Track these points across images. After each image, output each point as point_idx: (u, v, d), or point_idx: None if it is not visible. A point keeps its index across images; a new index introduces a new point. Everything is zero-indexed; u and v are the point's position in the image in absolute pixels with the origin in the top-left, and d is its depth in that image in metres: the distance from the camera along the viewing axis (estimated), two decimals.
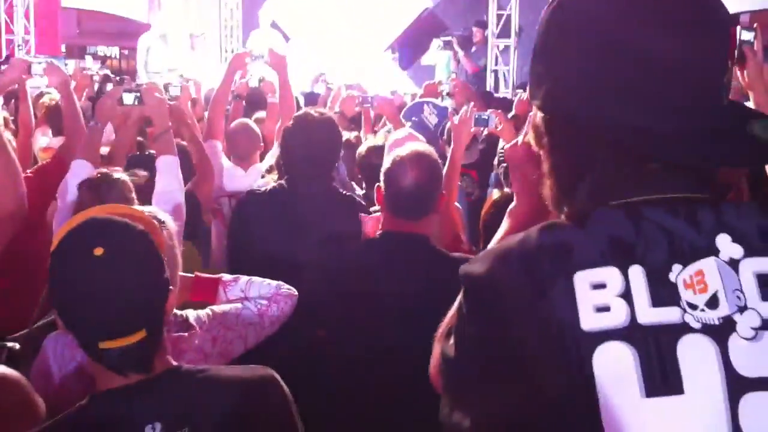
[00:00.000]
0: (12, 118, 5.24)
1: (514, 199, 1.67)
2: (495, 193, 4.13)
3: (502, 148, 5.00)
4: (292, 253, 2.74)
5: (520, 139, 1.64)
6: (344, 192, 3.42)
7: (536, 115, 1.09)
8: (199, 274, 2.38)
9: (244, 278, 2.38)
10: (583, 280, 0.93)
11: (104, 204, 2.62)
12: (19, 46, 11.85)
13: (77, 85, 6.27)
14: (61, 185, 3.03)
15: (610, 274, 0.93)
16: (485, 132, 4.44)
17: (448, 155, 3.74)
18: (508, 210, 1.70)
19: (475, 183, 5.41)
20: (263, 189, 3.32)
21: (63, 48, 16.41)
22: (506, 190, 3.71)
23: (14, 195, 2.93)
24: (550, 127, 1.06)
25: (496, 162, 4.57)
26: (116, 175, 2.77)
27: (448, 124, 4.65)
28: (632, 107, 0.97)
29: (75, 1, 16.29)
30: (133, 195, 2.78)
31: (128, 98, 3.10)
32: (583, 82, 0.99)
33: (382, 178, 2.67)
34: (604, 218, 0.98)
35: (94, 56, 18.76)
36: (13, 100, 5.74)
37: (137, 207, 2.02)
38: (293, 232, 2.96)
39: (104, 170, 2.83)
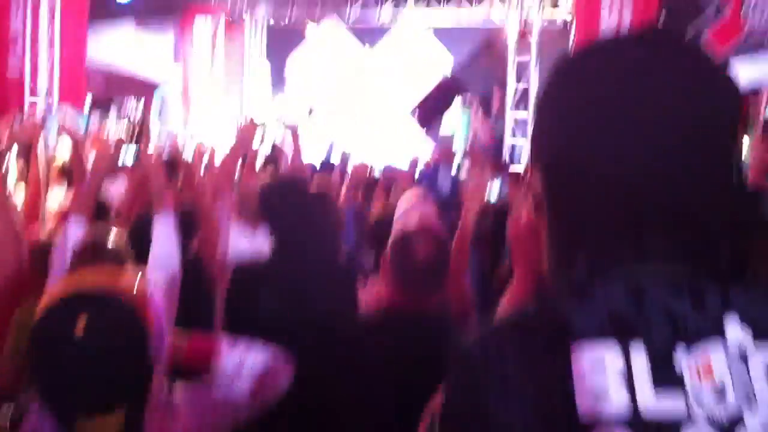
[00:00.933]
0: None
1: (514, 272, 1.61)
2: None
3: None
4: (287, 332, 2.66)
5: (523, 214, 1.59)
6: (341, 262, 3.35)
7: (535, 181, 1.04)
8: (195, 338, 2.30)
9: (242, 346, 2.29)
10: (580, 357, 0.87)
11: (100, 264, 2.57)
12: (42, 97, 12.02)
13: (93, 140, 6.31)
14: (55, 249, 2.97)
15: (609, 352, 0.86)
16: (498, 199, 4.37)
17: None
18: (508, 286, 1.65)
19: (486, 255, 5.33)
20: (256, 260, 3.26)
21: (89, 99, 16.76)
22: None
23: (13, 257, 2.89)
24: (548, 192, 1.01)
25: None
26: (112, 236, 2.71)
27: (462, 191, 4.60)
28: (638, 168, 0.93)
29: (102, 57, 16.65)
30: (128, 257, 2.72)
31: (126, 155, 3.06)
32: (585, 141, 0.96)
33: (388, 253, 2.61)
34: (604, 292, 0.91)
35: (119, 109, 19.01)
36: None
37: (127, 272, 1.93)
38: (287, 310, 2.88)
39: (100, 229, 2.76)
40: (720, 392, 0.85)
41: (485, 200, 3.99)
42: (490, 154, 8.90)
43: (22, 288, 2.94)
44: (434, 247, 2.58)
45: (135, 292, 1.67)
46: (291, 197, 3.27)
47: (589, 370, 0.86)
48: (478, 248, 5.15)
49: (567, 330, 0.88)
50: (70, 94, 12.65)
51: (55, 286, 1.75)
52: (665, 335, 0.87)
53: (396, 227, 2.71)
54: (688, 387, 0.85)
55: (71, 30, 12.56)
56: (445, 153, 7.28)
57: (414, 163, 6.16)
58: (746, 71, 13.05)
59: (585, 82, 0.98)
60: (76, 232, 2.97)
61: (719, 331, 0.87)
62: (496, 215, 5.33)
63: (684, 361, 0.86)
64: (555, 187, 1.00)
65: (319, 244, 3.26)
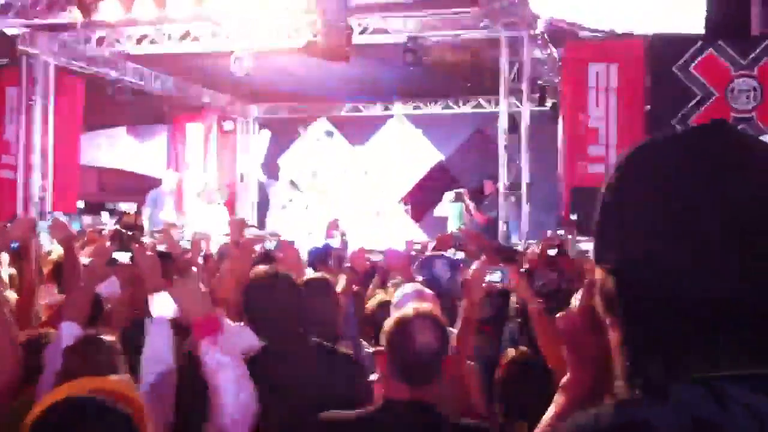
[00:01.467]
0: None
1: (568, 372, 1.50)
2: (510, 351, 3.93)
3: (516, 303, 4.86)
4: (282, 424, 2.56)
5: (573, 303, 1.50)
6: (332, 348, 3.26)
7: (606, 280, 0.99)
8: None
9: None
10: None
11: (92, 367, 2.49)
12: (35, 203, 12.08)
13: (89, 242, 6.26)
14: (48, 348, 2.90)
15: None
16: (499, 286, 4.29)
17: (460, 311, 3.59)
18: (561, 384, 1.54)
19: (489, 340, 5.21)
20: (244, 356, 3.18)
21: (82, 204, 16.85)
22: (521, 347, 3.52)
23: (9, 355, 2.81)
24: (621, 293, 0.96)
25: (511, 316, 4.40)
26: (104, 338, 2.65)
27: (461, 280, 4.53)
28: (715, 272, 0.89)
29: (95, 160, 16.86)
30: (122, 357, 2.65)
31: (122, 257, 3.02)
32: (661, 244, 0.92)
33: (383, 341, 2.51)
34: (686, 395, 0.87)
35: (111, 212, 19.08)
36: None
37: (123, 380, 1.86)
38: (281, 402, 2.78)
39: (92, 332, 2.70)
40: None
41: (486, 286, 3.91)
42: (486, 237, 8.87)
43: (15, 387, 2.83)
44: (432, 333, 2.48)
45: (130, 399, 1.63)
46: (274, 295, 3.21)
47: None
48: (481, 332, 5.05)
49: None
50: (63, 197, 12.72)
51: (50, 393, 1.69)
52: None
53: (389, 320, 2.61)
54: None
55: (64, 137, 12.72)
56: (441, 240, 7.24)
57: (409, 249, 6.12)
58: None
59: (661, 181, 0.95)
60: (69, 336, 2.92)
61: None
62: (498, 298, 5.25)
63: None
64: (631, 289, 0.96)
65: (304, 337, 3.18)
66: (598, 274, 1.01)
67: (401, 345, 2.44)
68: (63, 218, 4.07)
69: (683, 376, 0.89)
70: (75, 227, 6.42)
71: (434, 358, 2.46)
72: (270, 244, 5.52)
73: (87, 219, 13.70)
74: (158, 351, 2.61)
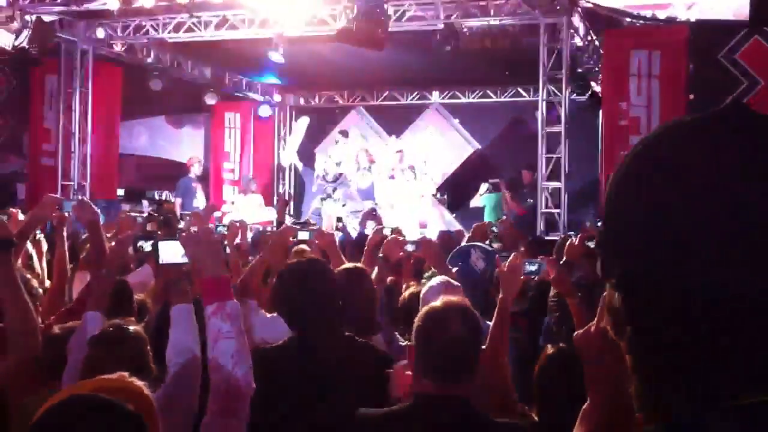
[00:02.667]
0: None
1: (588, 397, 1.44)
2: (547, 348, 3.82)
3: (554, 296, 4.74)
4: (311, 417, 2.48)
5: (593, 325, 1.41)
6: (362, 341, 3.17)
7: (612, 297, 0.90)
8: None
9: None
10: None
11: (117, 357, 2.44)
12: (75, 191, 12.21)
13: (121, 227, 6.26)
14: (72, 339, 2.87)
15: None
16: (535, 278, 4.17)
17: (497, 303, 3.47)
18: (581, 411, 1.48)
19: (525, 332, 5.10)
20: (275, 345, 3.11)
21: (122, 192, 17.03)
22: (560, 343, 3.39)
23: (27, 343, 2.79)
24: (632, 311, 0.86)
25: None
26: (130, 328, 2.60)
27: (497, 271, 4.42)
28: (736, 270, 0.78)
29: (135, 149, 17.00)
30: (148, 347, 2.60)
31: (147, 245, 2.96)
32: (669, 247, 0.82)
33: (413, 335, 2.40)
34: (716, 429, 0.77)
35: (151, 200, 19.26)
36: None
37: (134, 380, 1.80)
38: (309, 393, 2.71)
39: (117, 322, 2.66)
40: None
41: (524, 278, 3.79)
42: (523, 228, 8.74)
43: (34, 377, 2.80)
44: (465, 326, 2.37)
45: (137, 396, 1.57)
46: (307, 284, 3.14)
47: None
48: (517, 326, 4.94)
49: None
50: (103, 184, 12.85)
51: (58, 393, 1.64)
52: None
53: (420, 314, 2.49)
54: None
55: (103, 125, 12.85)
56: (477, 230, 7.13)
57: (445, 238, 6.02)
58: None
59: (670, 186, 0.85)
60: (93, 326, 2.89)
61: None
62: (536, 290, 5.13)
63: None
64: (644, 308, 0.85)
65: (336, 328, 3.11)
66: (607, 290, 0.92)
67: (430, 338, 2.34)
68: (89, 203, 3.99)
69: (708, 403, 0.78)
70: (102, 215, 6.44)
71: (466, 351, 2.35)
72: (304, 234, 5.46)
73: (126, 207, 13.88)
74: (182, 340, 2.56)
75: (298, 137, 16.79)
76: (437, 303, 2.43)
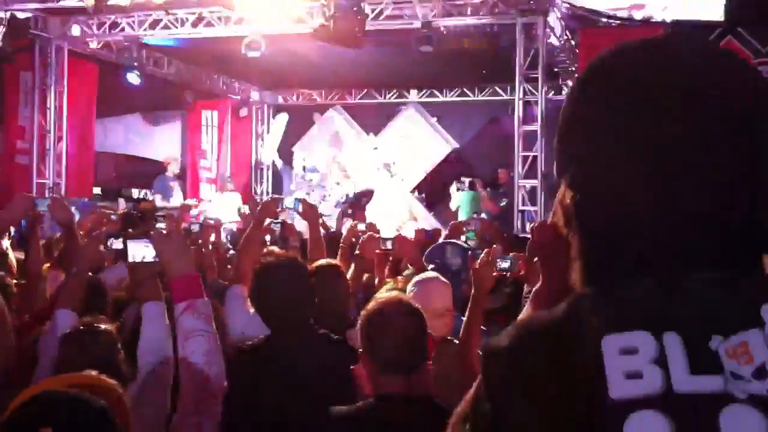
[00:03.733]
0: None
1: (540, 281, 1.58)
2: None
3: (528, 293, 4.77)
4: (285, 415, 2.49)
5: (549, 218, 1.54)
6: (337, 338, 3.19)
7: (564, 194, 1.02)
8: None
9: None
10: (611, 344, 0.84)
11: (88, 355, 2.44)
12: (50, 188, 12.10)
13: (93, 224, 6.20)
14: (43, 337, 2.85)
15: (641, 338, 0.84)
16: (509, 274, 4.20)
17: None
18: (533, 292, 1.63)
19: (502, 329, 5.13)
20: (251, 343, 3.11)
21: (98, 190, 16.89)
22: None
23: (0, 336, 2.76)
24: (580, 206, 0.98)
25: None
26: (101, 326, 2.58)
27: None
28: (674, 185, 0.91)
29: (111, 146, 16.88)
30: (119, 346, 2.59)
31: (117, 243, 2.95)
32: (619, 157, 0.94)
33: (360, 336, 2.42)
34: (634, 285, 0.89)
35: (128, 198, 19.12)
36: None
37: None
38: (284, 392, 2.72)
39: (88, 320, 2.64)
40: (760, 371, 0.81)
41: (496, 275, 3.83)
42: (498, 225, 8.80)
43: (6, 376, 2.78)
44: (406, 317, 2.39)
45: (108, 392, 1.57)
46: (282, 283, 3.16)
47: (621, 356, 0.84)
48: (494, 322, 4.97)
49: (597, 320, 0.87)
50: (78, 182, 12.75)
51: (27, 389, 1.63)
52: (699, 326, 0.84)
53: (362, 316, 2.52)
54: (726, 369, 0.82)
55: (78, 122, 12.75)
56: (454, 228, 7.17)
57: (419, 238, 6.04)
58: None
59: (619, 95, 0.95)
60: (64, 324, 2.86)
61: (757, 322, 0.83)
62: (513, 287, 5.16)
63: (721, 348, 0.83)
64: (587, 202, 0.97)
65: (311, 326, 3.13)
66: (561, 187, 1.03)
67: (376, 337, 2.36)
68: (62, 200, 3.96)
69: (638, 276, 0.90)
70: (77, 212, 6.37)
71: (414, 341, 2.37)
72: (290, 201, 5.41)
73: (102, 205, 13.77)
74: (154, 340, 2.55)
75: (278, 134, 16.73)
76: (375, 303, 2.46)
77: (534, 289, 1.60)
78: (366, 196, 11.38)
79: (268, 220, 5.00)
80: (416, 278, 3.99)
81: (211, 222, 6.94)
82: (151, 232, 2.58)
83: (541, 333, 0.91)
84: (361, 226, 6.02)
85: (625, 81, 0.96)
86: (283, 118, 16.73)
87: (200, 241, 5.70)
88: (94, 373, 1.75)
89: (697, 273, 0.89)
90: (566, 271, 1.03)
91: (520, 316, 1.59)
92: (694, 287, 0.88)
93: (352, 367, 2.48)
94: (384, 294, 2.67)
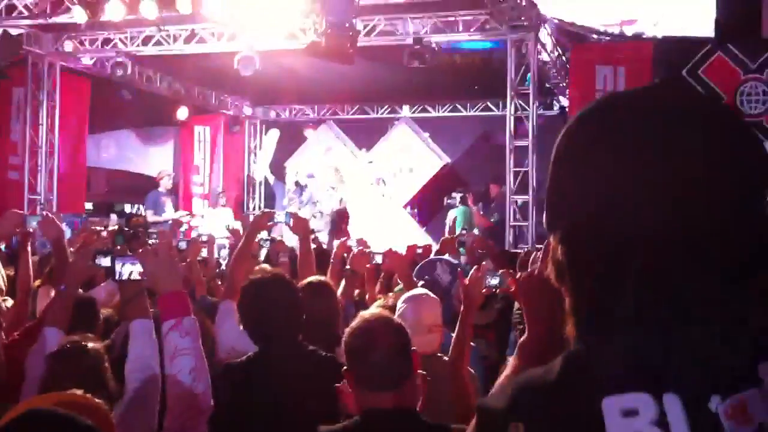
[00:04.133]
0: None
1: (525, 331, 1.58)
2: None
3: (518, 309, 4.78)
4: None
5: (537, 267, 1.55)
6: (326, 355, 3.19)
7: (556, 249, 1.01)
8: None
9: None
10: (611, 406, 0.85)
11: (75, 373, 2.43)
12: (41, 204, 12.07)
13: (84, 241, 6.19)
14: (30, 355, 2.84)
15: (642, 400, 0.84)
16: (498, 291, 4.21)
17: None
18: (518, 344, 1.62)
19: (492, 345, 5.13)
20: (239, 360, 3.11)
21: (90, 205, 16.85)
22: None
23: None
24: (571, 257, 0.98)
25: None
26: (88, 345, 2.58)
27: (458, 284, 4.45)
28: (660, 229, 0.91)
29: (104, 161, 16.87)
30: (106, 364, 2.59)
31: (105, 261, 2.95)
32: (607, 207, 0.94)
33: (345, 355, 2.42)
34: (630, 340, 0.89)
35: (120, 213, 19.09)
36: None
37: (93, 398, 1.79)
38: (273, 409, 2.71)
39: (75, 338, 2.64)
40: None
41: (486, 291, 3.82)
42: (488, 241, 8.81)
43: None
44: (389, 335, 2.39)
45: (94, 410, 1.57)
46: (270, 300, 3.17)
47: (623, 418, 0.84)
48: (483, 338, 4.97)
49: (597, 385, 0.86)
50: (70, 198, 12.73)
51: (12, 409, 1.63)
52: (698, 386, 0.84)
53: (346, 336, 2.53)
54: (726, 430, 0.82)
55: (71, 137, 12.75)
56: (445, 244, 7.17)
57: (411, 254, 6.04)
58: None
59: (607, 143, 0.95)
60: (51, 342, 2.85)
61: (755, 380, 0.84)
62: (503, 303, 5.17)
63: (720, 409, 0.83)
64: (580, 252, 0.97)
65: (300, 342, 3.13)
66: (552, 242, 1.03)
67: (359, 355, 2.36)
68: (53, 217, 3.95)
69: (632, 327, 0.90)
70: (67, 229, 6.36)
71: (396, 359, 2.37)
72: (280, 216, 5.42)
73: (95, 220, 13.74)
74: (142, 357, 2.55)
75: (270, 150, 16.72)
76: (358, 321, 2.47)
77: (520, 341, 1.60)
78: (345, 216, 11.32)
79: (259, 236, 5.02)
80: (406, 294, 3.99)
81: (204, 238, 6.92)
82: (140, 250, 2.58)
83: (538, 393, 0.91)
84: (352, 242, 6.02)
85: (616, 135, 0.95)
86: (274, 134, 16.72)
87: (189, 259, 5.69)
88: (79, 391, 1.75)
89: (695, 323, 0.88)
90: (552, 320, 1.04)
91: (506, 371, 1.58)
92: (692, 341, 0.87)
93: (337, 385, 2.49)
94: (368, 311, 2.67)
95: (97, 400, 1.68)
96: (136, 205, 20.24)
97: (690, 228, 0.90)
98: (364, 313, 2.57)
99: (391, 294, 4.92)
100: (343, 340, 2.46)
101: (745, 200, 0.92)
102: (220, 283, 5.83)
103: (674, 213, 0.90)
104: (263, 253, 6.74)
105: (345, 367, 2.42)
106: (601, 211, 0.93)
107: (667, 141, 0.92)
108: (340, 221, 10.65)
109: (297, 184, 15.23)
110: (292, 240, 6.27)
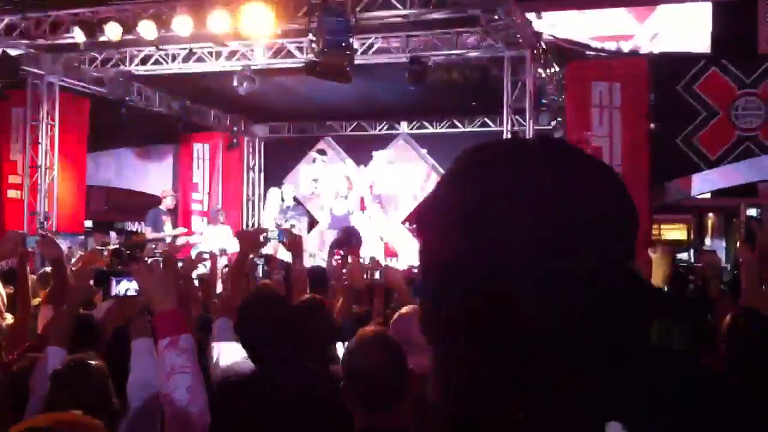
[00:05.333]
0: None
1: None
2: None
3: None
4: None
5: None
6: (324, 373, 3.22)
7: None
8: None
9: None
10: None
11: (79, 392, 2.46)
12: (41, 223, 12.10)
13: (85, 261, 6.23)
14: (34, 375, 2.87)
15: None
16: None
17: None
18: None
19: None
20: (238, 379, 3.14)
21: (90, 224, 16.86)
22: None
23: None
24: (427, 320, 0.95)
25: None
26: (92, 363, 2.61)
27: None
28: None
29: (103, 180, 16.92)
30: (110, 382, 2.61)
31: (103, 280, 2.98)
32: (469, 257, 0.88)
33: (343, 374, 2.45)
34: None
35: (119, 231, 19.11)
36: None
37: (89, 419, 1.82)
38: (272, 428, 2.73)
39: (79, 357, 2.67)
40: None
41: None
42: None
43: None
44: (385, 353, 2.40)
45: (92, 429, 1.60)
46: (268, 319, 3.19)
47: None
48: None
49: None
50: (70, 217, 12.76)
51: (20, 424, 1.65)
52: None
53: (344, 353, 2.54)
54: None
55: (70, 157, 12.80)
56: None
57: (410, 272, 6.08)
58: (734, 176, 13.24)
59: (469, 206, 0.89)
60: (54, 361, 2.88)
61: None
62: None
63: None
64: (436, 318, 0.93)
65: (298, 361, 3.15)
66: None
67: (353, 371, 2.38)
68: (52, 237, 4.00)
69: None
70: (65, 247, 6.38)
71: (389, 379, 2.37)
72: (273, 234, 5.45)
73: (94, 238, 13.78)
74: (144, 375, 2.57)
75: (273, 209, 16.18)
76: (355, 338, 2.48)
77: None
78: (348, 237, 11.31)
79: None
80: (399, 312, 4.02)
81: (206, 255, 6.95)
82: (135, 267, 2.59)
83: None
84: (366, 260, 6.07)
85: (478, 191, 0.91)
86: (275, 193, 16.07)
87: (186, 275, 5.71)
88: (79, 412, 1.77)
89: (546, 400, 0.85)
90: None
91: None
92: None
93: None
94: (367, 327, 2.69)
95: (96, 421, 1.70)
96: (136, 223, 20.31)
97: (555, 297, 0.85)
98: (362, 330, 2.59)
99: (388, 311, 4.94)
100: (341, 358, 2.48)
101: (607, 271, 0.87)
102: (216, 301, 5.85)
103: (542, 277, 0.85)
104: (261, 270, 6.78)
105: (342, 384, 2.44)
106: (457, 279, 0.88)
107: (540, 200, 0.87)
108: (349, 237, 10.64)
109: (296, 200, 15.26)
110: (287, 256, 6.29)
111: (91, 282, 3.01)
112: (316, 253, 13.62)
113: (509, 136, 10.82)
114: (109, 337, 3.40)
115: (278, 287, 5.06)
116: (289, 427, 2.82)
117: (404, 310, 3.89)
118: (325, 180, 15.62)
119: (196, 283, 5.98)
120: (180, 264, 5.29)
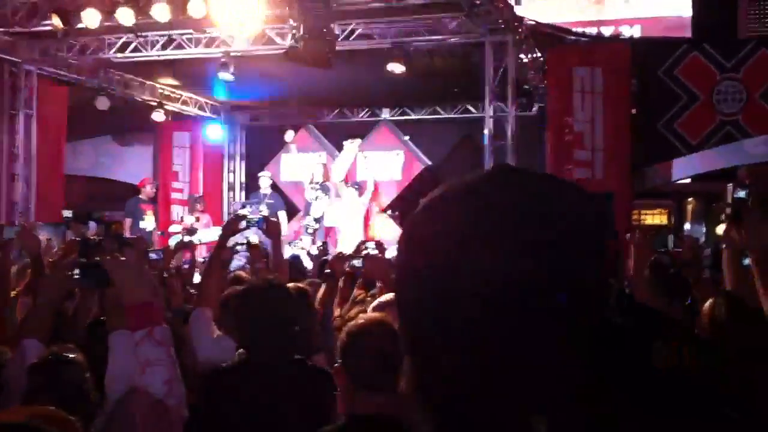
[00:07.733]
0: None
1: None
2: None
3: None
4: None
5: None
6: (312, 364, 3.20)
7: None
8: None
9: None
10: None
11: (57, 385, 2.42)
12: (21, 213, 11.98)
13: (65, 251, 6.15)
14: (9, 367, 2.81)
15: None
16: None
17: None
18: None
19: None
20: (225, 367, 3.11)
21: (69, 213, 16.70)
22: None
23: None
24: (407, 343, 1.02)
25: None
26: (69, 355, 2.56)
27: None
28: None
29: (82, 169, 16.76)
30: (88, 375, 2.57)
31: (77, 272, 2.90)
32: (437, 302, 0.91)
33: (339, 352, 2.45)
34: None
35: (98, 221, 18.93)
36: None
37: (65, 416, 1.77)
38: (260, 416, 2.72)
39: (56, 349, 2.62)
40: None
41: None
42: None
43: None
44: (383, 335, 2.41)
45: (65, 424, 1.56)
46: (259, 307, 3.16)
47: None
48: None
49: None
50: (48, 206, 12.62)
51: None
52: None
53: (342, 334, 2.56)
54: None
55: (49, 145, 12.64)
56: None
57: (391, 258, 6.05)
58: (714, 161, 13.30)
59: (446, 248, 0.90)
60: (31, 354, 2.82)
61: None
62: None
63: None
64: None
65: (287, 350, 3.12)
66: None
67: (352, 350, 2.39)
68: (30, 228, 3.94)
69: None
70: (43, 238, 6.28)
71: (386, 358, 2.36)
72: (253, 216, 5.38)
73: (72, 229, 13.63)
74: (122, 369, 2.53)
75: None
76: (355, 321, 2.51)
77: None
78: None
79: (231, 241, 5.00)
80: (378, 300, 4.00)
81: (184, 245, 6.90)
82: (107, 258, 2.53)
83: None
84: (370, 244, 6.08)
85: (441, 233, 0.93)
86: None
87: (166, 266, 5.67)
88: (53, 408, 1.73)
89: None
90: None
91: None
92: None
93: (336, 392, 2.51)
94: (365, 315, 2.71)
95: (69, 417, 1.66)
96: (115, 213, 20.13)
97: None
98: (364, 315, 2.62)
99: (368, 299, 4.91)
100: (339, 338, 2.48)
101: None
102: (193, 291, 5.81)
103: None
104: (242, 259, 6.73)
105: (337, 364, 2.44)
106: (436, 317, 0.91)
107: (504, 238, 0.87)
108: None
109: (273, 187, 15.16)
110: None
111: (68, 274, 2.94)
112: (296, 242, 13.56)
113: (491, 121, 10.81)
114: (84, 329, 3.36)
115: (262, 275, 5.02)
116: (277, 418, 2.79)
117: (384, 298, 3.87)
118: (302, 167, 15.52)
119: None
120: (158, 255, 5.24)
